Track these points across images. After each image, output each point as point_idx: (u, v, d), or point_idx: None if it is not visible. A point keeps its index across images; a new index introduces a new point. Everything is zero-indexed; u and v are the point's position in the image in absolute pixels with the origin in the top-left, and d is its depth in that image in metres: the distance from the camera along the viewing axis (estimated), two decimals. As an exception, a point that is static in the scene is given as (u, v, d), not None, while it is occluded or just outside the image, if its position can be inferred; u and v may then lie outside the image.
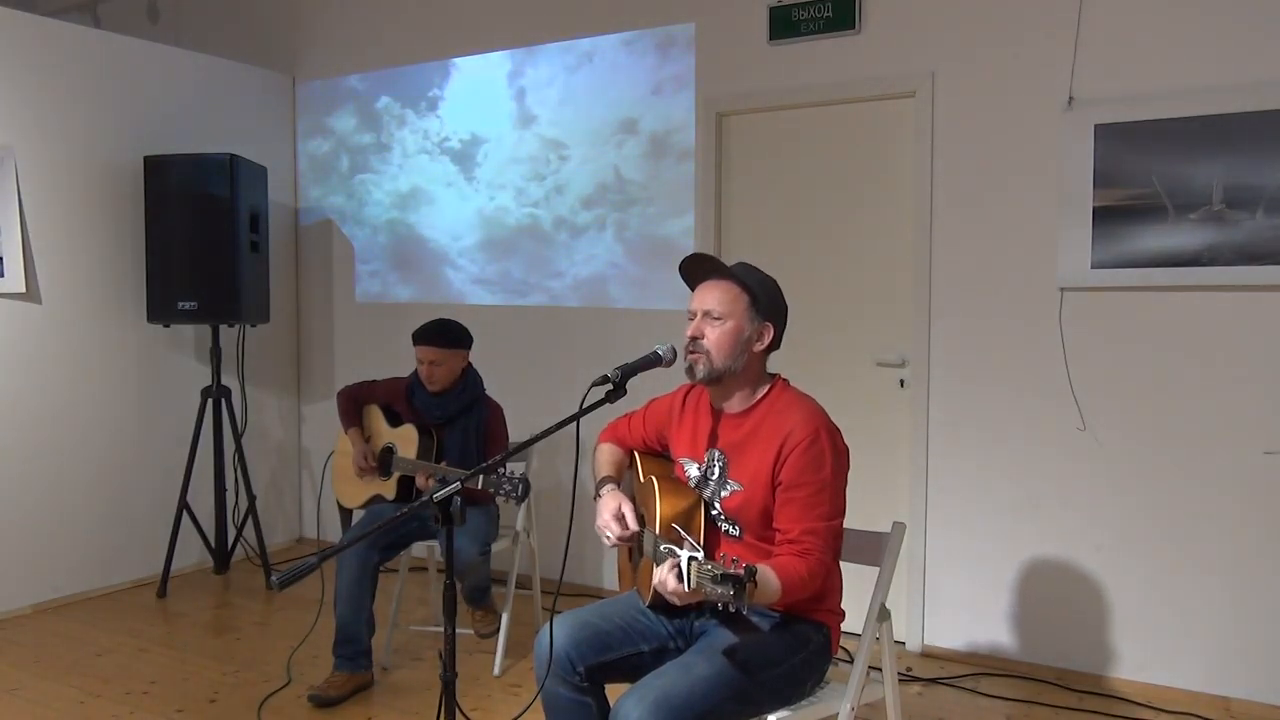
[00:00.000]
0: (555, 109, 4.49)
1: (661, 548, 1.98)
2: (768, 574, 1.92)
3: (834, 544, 2.08)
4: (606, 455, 2.43)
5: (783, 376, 2.25)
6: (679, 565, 1.80)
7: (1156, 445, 3.32)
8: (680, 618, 2.22)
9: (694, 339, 2.14)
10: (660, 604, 2.16)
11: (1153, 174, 3.24)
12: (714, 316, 2.14)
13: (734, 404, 2.20)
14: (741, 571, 1.71)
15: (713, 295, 2.16)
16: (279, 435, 5.33)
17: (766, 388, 2.20)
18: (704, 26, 4.07)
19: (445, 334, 3.47)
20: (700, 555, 1.80)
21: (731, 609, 1.72)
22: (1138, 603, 3.37)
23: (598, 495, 2.28)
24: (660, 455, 2.42)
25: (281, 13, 5.36)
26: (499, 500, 2.89)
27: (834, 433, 2.12)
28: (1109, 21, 3.33)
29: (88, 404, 4.46)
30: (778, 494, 2.08)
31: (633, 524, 2.16)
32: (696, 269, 2.22)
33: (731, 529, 2.19)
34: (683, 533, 2.04)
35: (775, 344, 2.21)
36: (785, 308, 2.24)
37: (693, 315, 2.18)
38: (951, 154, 3.62)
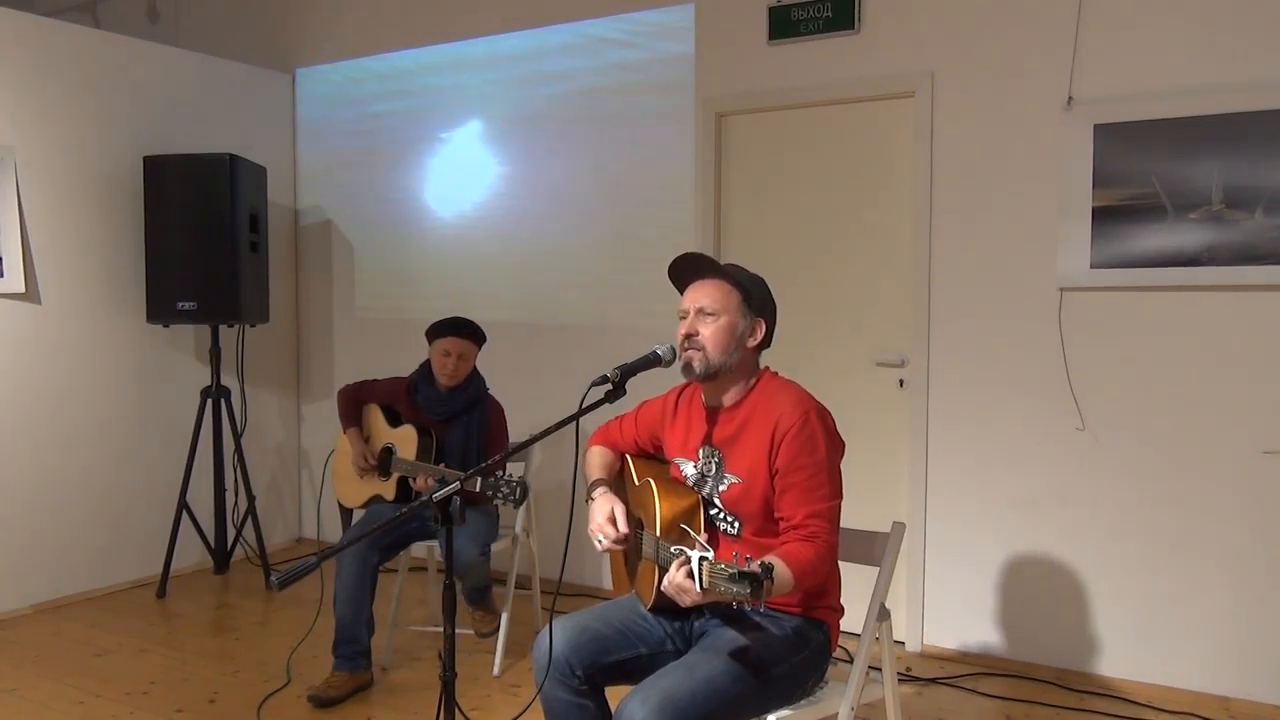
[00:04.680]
0: (554, 109, 4.49)
1: (671, 549, 1.98)
2: (780, 566, 1.91)
3: (837, 523, 2.10)
4: (597, 458, 2.43)
5: (769, 368, 2.25)
6: (690, 566, 1.80)
7: (1156, 445, 3.32)
8: (681, 619, 2.22)
9: (689, 336, 2.15)
10: (662, 606, 2.16)
11: (1152, 174, 3.24)
12: (707, 313, 2.15)
13: (726, 400, 2.21)
14: (758, 569, 1.70)
15: (705, 292, 2.17)
16: (279, 435, 5.33)
17: (754, 380, 2.21)
18: (703, 26, 4.07)
19: (471, 328, 3.53)
20: (711, 555, 1.79)
21: (748, 607, 1.71)
22: (1138, 602, 3.37)
23: (590, 498, 2.28)
24: (653, 457, 2.42)
25: (281, 13, 5.36)
26: (497, 503, 2.89)
27: (823, 414, 2.13)
28: (1109, 21, 3.33)
29: (88, 404, 4.46)
30: (776, 481, 2.09)
31: (623, 528, 2.17)
32: (685, 270, 2.23)
33: (730, 528, 2.19)
34: (691, 532, 2.03)
35: (767, 341, 2.22)
36: (774, 305, 2.25)
37: (685, 314, 2.19)
38: (951, 154, 3.62)
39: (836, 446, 2.13)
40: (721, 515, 2.19)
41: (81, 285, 4.43)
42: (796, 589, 1.97)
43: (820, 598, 2.17)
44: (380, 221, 5.07)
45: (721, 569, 1.74)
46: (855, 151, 3.85)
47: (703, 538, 2.12)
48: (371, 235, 5.11)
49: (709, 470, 2.20)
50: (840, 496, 2.11)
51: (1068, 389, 3.44)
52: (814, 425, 2.09)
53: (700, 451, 2.23)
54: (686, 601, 1.86)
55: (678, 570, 1.83)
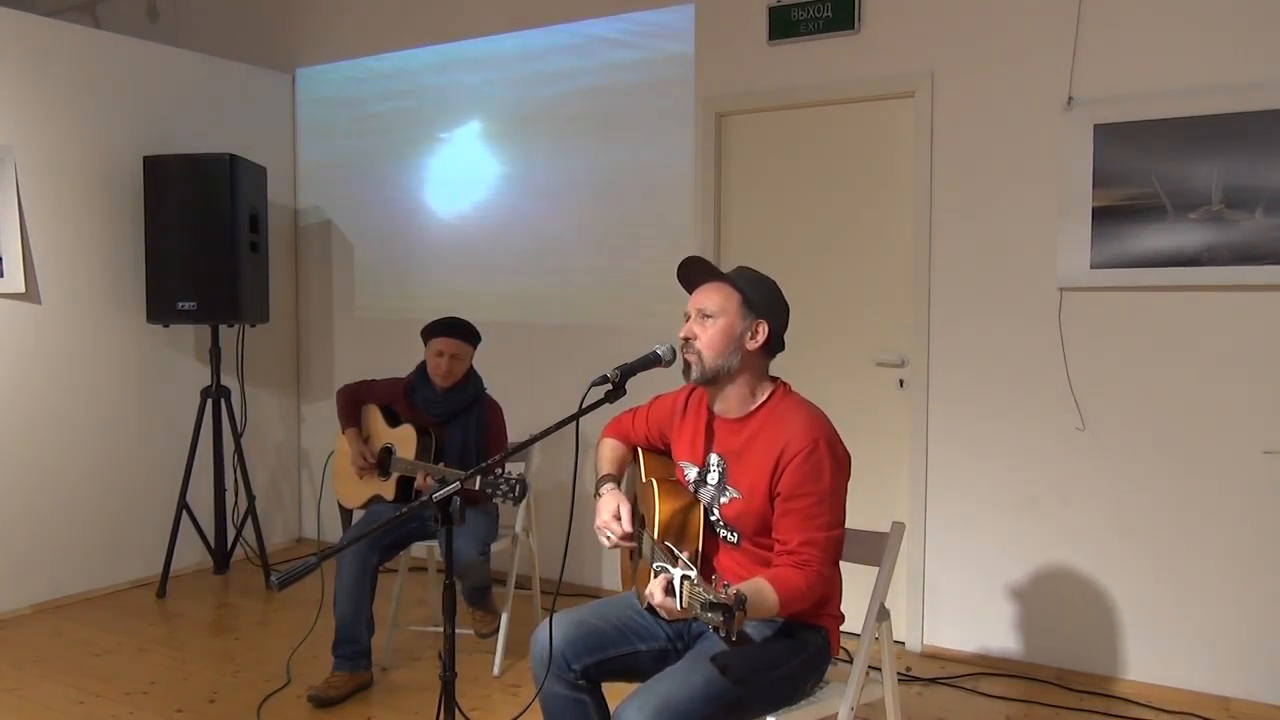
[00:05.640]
0: (554, 109, 4.49)
1: (654, 565, 1.98)
2: (763, 590, 1.91)
3: (833, 554, 2.07)
4: (609, 452, 2.42)
5: (784, 382, 2.24)
6: (670, 583, 1.81)
7: (1155, 445, 3.32)
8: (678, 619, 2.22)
9: (686, 340, 2.15)
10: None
11: (1152, 174, 3.24)
12: (706, 314, 2.15)
13: (732, 408, 2.19)
14: (731, 600, 1.69)
15: (705, 296, 2.18)
16: (279, 435, 5.33)
17: (767, 393, 2.19)
18: (703, 26, 4.07)
19: (465, 328, 3.52)
20: (693, 574, 1.78)
21: (721, 634, 1.72)
22: (1138, 602, 3.37)
23: (598, 494, 2.28)
24: (663, 453, 2.41)
25: (281, 13, 5.36)
26: (496, 501, 2.89)
27: (834, 442, 2.10)
28: (1109, 21, 3.33)
29: (87, 404, 4.46)
30: (776, 504, 2.07)
31: (627, 526, 2.16)
32: (693, 274, 2.23)
33: (730, 535, 2.18)
34: (675, 551, 2.02)
35: (776, 345, 2.20)
36: (785, 308, 2.23)
37: (687, 317, 2.19)
38: (951, 154, 3.62)
39: (843, 476, 2.10)
40: (721, 523, 2.19)
41: (81, 285, 4.43)
42: (781, 613, 1.96)
43: (821, 605, 2.16)
44: (380, 221, 5.07)
45: (699, 592, 1.74)
46: (855, 151, 3.85)
47: (698, 544, 2.11)
48: (371, 235, 5.11)
49: (712, 479, 2.19)
50: (840, 528, 2.08)
51: (1068, 389, 3.44)
52: (821, 453, 2.05)
53: (705, 459, 2.22)
54: (668, 617, 1.87)
55: (659, 589, 1.84)
